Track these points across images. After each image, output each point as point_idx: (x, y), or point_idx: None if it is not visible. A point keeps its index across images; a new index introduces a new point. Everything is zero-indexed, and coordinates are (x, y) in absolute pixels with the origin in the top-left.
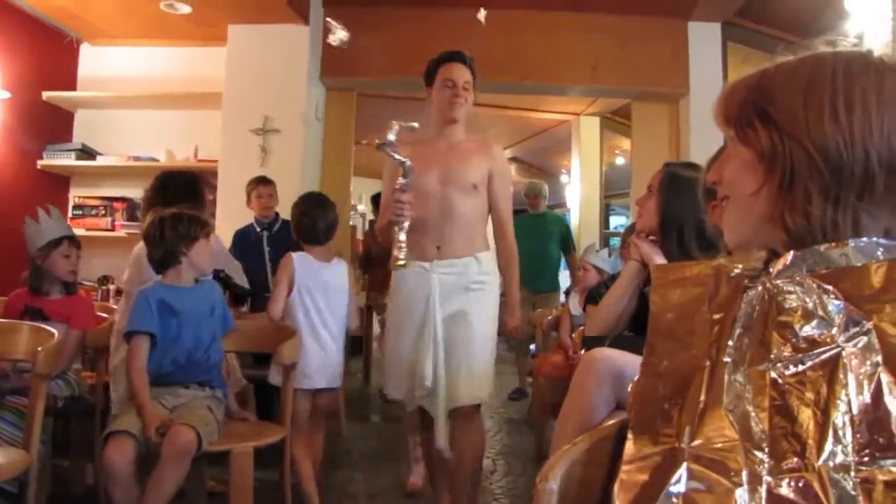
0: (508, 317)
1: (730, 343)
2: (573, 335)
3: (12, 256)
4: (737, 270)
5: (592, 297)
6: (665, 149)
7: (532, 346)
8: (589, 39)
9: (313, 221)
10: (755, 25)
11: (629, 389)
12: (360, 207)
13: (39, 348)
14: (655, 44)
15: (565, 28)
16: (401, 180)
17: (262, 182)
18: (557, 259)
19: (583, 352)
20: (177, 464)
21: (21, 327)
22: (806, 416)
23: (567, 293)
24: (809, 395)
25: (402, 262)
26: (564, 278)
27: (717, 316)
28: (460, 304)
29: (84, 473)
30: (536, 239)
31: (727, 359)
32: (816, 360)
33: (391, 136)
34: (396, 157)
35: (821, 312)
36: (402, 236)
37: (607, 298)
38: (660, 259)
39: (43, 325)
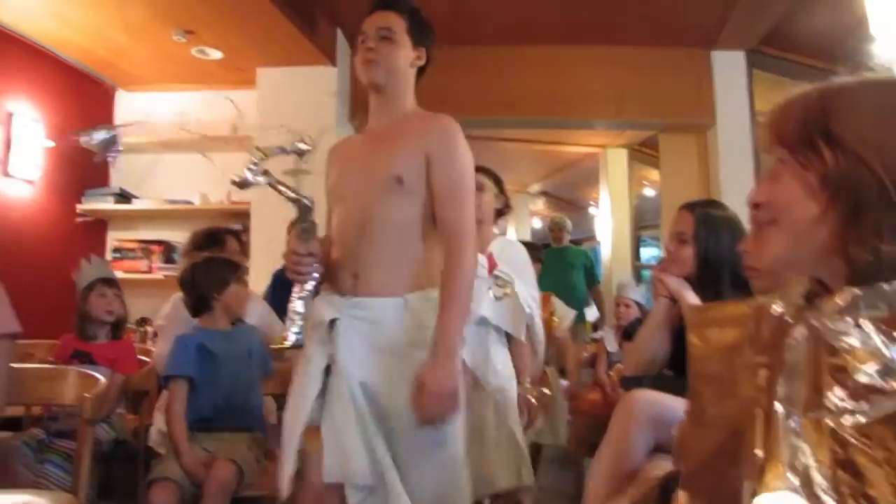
0: (431, 372)
1: (779, 389)
2: (610, 372)
3: (56, 300)
4: (778, 309)
5: (629, 333)
6: (694, 180)
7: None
8: (613, 72)
9: None
10: (780, 52)
11: (672, 433)
12: None
13: (86, 394)
14: (679, 74)
15: (589, 62)
16: (301, 225)
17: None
18: (583, 291)
19: (621, 391)
20: (217, 499)
21: (68, 373)
22: (878, 476)
23: (595, 326)
24: (878, 453)
25: (288, 344)
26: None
27: (761, 359)
28: (370, 380)
29: None
30: (560, 271)
31: (779, 406)
32: (881, 413)
33: (248, 174)
34: (285, 192)
35: (883, 359)
36: (300, 305)
37: (639, 338)
38: (690, 293)
39: (89, 371)
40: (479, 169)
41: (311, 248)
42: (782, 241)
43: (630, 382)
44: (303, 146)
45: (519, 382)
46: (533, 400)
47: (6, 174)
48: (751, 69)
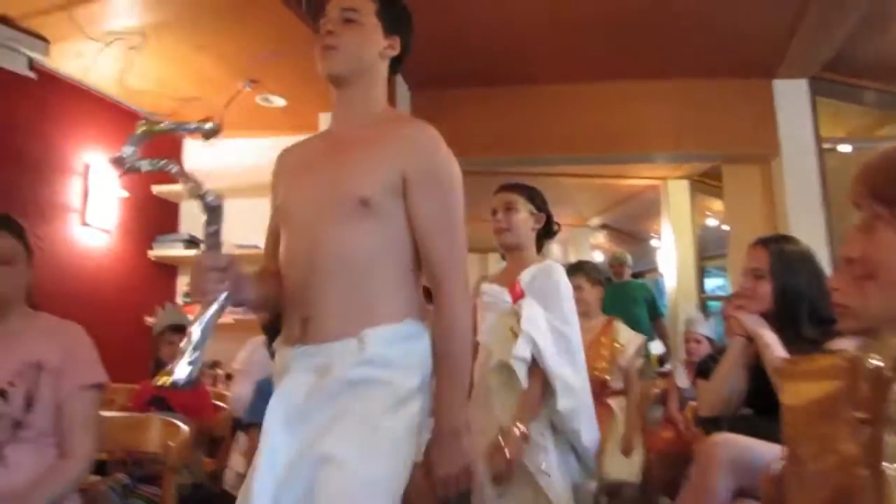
0: (438, 453)
1: (887, 448)
2: (684, 410)
3: (132, 345)
4: (875, 363)
5: (702, 370)
6: (760, 210)
7: None
8: (670, 106)
9: None
10: (844, 78)
11: (759, 480)
12: None
13: (170, 442)
14: (740, 105)
15: (646, 96)
16: (206, 230)
17: None
18: (647, 325)
19: (696, 430)
20: None
21: (152, 421)
22: None
23: (661, 361)
24: None
25: (177, 380)
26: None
27: (861, 415)
28: (322, 420)
29: None
30: (622, 306)
31: (888, 467)
32: None
33: (128, 152)
34: (187, 185)
35: None
36: (196, 332)
37: (715, 377)
38: (767, 332)
39: (173, 419)
40: (509, 186)
41: (217, 261)
42: (886, 298)
43: (708, 424)
44: (208, 125)
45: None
46: (506, 452)
47: (84, 223)
48: (814, 96)
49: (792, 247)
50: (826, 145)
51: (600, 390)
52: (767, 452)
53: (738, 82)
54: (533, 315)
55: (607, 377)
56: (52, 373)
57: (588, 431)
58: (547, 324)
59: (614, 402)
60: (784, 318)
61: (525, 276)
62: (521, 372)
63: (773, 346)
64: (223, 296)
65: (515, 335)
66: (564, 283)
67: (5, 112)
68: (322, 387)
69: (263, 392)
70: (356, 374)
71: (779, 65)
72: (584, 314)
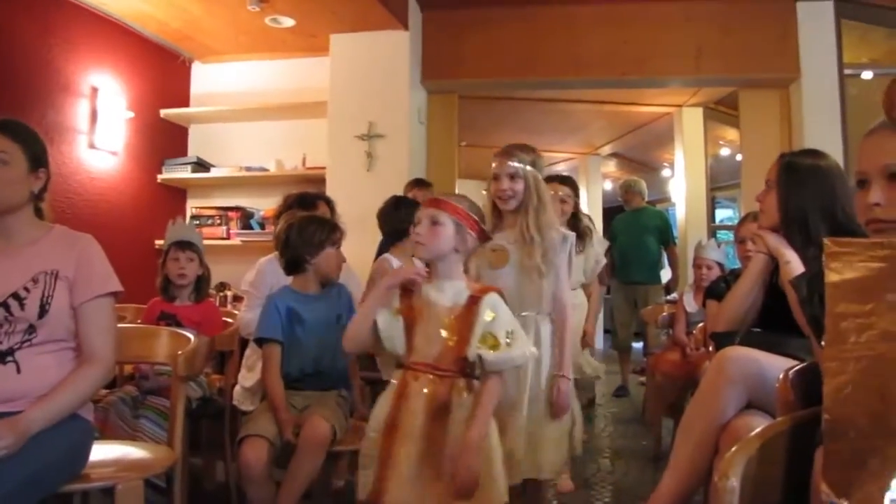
0: None
1: None
2: (694, 331)
3: (140, 265)
4: None
5: (713, 292)
6: (776, 137)
7: (636, 344)
8: (691, 28)
9: None
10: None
11: (779, 382)
12: None
13: (179, 352)
14: (762, 28)
15: (667, 18)
16: None
17: (419, 185)
18: (656, 252)
19: (710, 349)
20: (313, 455)
21: (161, 332)
22: None
23: (667, 287)
24: None
25: None
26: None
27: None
28: None
29: (215, 471)
30: (634, 235)
31: None
32: None
33: None
34: None
35: None
36: None
37: (734, 293)
38: (789, 251)
39: (180, 331)
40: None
41: None
42: None
43: (722, 338)
44: None
45: None
46: None
47: (92, 146)
48: (839, 19)
49: (806, 160)
50: (849, 71)
51: None
52: (779, 366)
53: (760, 4)
54: None
55: None
56: (68, 281)
57: None
58: None
59: None
60: (789, 228)
61: None
62: None
63: (794, 263)
64: None
65: None
66: None
67: (11, 33)
68: None
69: (273, 309)
70: None
71: None
72: None
